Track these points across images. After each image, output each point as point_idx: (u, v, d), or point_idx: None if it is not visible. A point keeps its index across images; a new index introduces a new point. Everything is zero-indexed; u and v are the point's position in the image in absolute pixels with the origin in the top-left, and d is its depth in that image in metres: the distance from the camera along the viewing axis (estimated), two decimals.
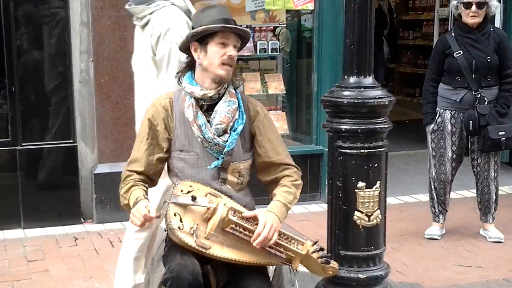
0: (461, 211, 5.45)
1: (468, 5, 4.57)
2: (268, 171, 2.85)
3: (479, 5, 4.57)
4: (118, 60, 5.13)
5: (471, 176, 4.90)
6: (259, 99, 5.84)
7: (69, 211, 5.19)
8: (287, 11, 6.00)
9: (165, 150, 2.80)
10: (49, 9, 5.06)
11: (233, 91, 2.82)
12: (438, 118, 4.73)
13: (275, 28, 6.05)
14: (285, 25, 6.11)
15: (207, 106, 2.77)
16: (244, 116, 2.79)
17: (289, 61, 6.33)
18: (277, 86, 5.99)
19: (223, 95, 2.78)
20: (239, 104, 2.79)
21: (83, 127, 5.22)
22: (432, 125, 4.76)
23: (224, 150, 2.73)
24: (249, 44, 5.87)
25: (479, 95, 4.60)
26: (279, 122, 5.90)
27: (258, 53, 5.94)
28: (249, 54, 5.91)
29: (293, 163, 2.88)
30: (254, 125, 2.83)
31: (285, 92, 6.03)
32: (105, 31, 5.07)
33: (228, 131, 2.75)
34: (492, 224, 4.86)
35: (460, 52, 4.61)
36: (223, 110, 2.74)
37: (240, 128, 2.76)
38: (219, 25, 2.69)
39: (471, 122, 4.59)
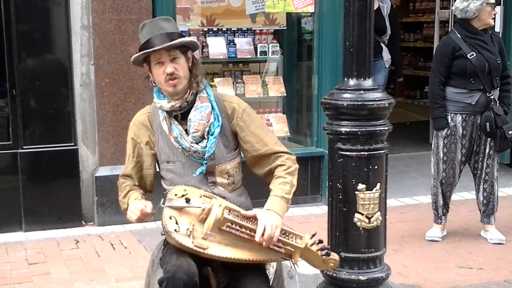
0: (462, 212, 5.46)
1: (493, 5, 4.61)
2: (260, 164, 2.84)
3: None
4: (119, 63, 5.14)
5: (472, 178, 4.90)
6: (260, 102, 5.95)
7: (70, 214, 5.19)
8: (287, 13, 6.01)
9: (152, 164, 2.86)
10: (49, 12, 5.08)
11: (205, 95, 2.80)
12: (450, 123, 4.67)
13: (275, 31, 6.07)
14: (285, 28, 6.13)
15: (180, 115, 2.79)
16: (220, 118, 2.78)
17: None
18: (277, 88, 6.00)
19: (194, 102, 2.78)
20: (212, 107, 2.78)
21: (84, 130, 5.23)
22: (445, 130, 4.68)
23: (205, 156, 2.75)
24: (250, 47, 5.91)
25: (492, 96, 4.61)
26: (279, 124, 5.92)
27: (258, 55, 5.95)
28: (250, 56, 5.93)
29: (283, 149, 2.85)
30: (234, 123, 2.82)
31: (285, 94, 6.04)
32: (105, 34, 5.08)
33: (206, 136, 2.75)
34: (494, 225, 4.86)
35: (473, 54, 4.56)
36: (196, 118, 2.75)
37: (217, 131, 2.76)
38: (140, 52, 2.73)
39: (488, 123, 4.57)
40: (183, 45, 2.75)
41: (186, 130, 2.77)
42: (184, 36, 2.81)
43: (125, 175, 2.90)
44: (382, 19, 6.69)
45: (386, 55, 6.80)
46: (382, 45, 6.75)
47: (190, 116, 2.76)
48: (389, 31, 6.77)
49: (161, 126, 2.80)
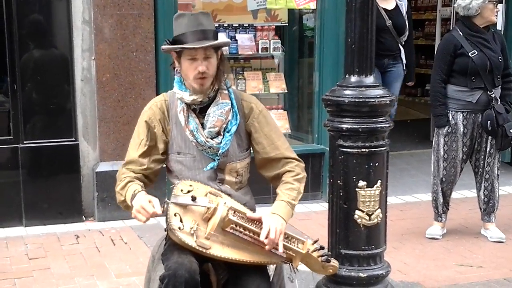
0: (462, 210, 5.46)
1: (496, 3, 4.59)
2: (269, 167, 2.84)
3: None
4: (120, 58, 5.14)
5: (472, 176, 4.90)
6: (261, 98, 5.91)
7: (70, 209, 5.19)
8: (289, 10, 6.00)
9: (162, 152, 2.81)
10: (51, 7, 5.07)
11: (226, 92, 2.80)
12: (451, 121, 4.66)
13: (277, 27, 6.06)
14: (287, 24, 6.12)
15: (199, 109, 2.78)
16: (238, 117, 2.78)
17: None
18: (278, 85, 6.00)
19: (214, 98, 2.77)
20: (232, 105, 2.78)
21: (85, 125, 5.23)
22: (446, 128, 4.68)
23: (219, 152, 2.74)
24: (251, 43, 5.91)
25: (493, 94, 4.60)
26: (280, 121, 5.91)
27: (260, 52, 5.95)
28: (251, 53, 5.92)
29: (294, 155, 2.85)
30: (249, 123, 2.82)
31: (286, 91, 6.04)
32: (107, 29, 5.08)
33: (222, 133, 2.75)
34: (494, 223, 4.86)
35: (475, 52, 4.55)
36: (215, 114, 2.74)
37: (234, 129, 2.76)
38: (179, 46, 2.68)
39: (489, 122, 4.56)
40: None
41: (202, 124, 2.76)
42: (217, 33, 2.79)
43: (129, 162, 2.80)
44: (402, 18, 6.12)
45: (403, 57, 6.24)
46: (400, 46, 6.18)
47: (209, 111, 2.75)
48: (407, 31, 6.22)
49: (177, 116, 2.78)
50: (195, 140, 2.75)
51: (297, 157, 2.87)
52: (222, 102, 2.77)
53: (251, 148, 2.88)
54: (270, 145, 2.82)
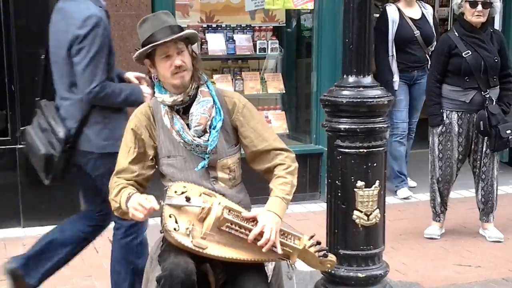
0: (461, 210, 5.46)
1: (473, 4, 4.54)
2: (259, 160, 2.83)
3: (485, 5, 4.56)
4: (118, 59, 5.10)
5: (471, 176, 4.90)
6: (259, 99, 5.94)
7: (68, 210, 5.16)
8: (287, 10, 6.01)
9: (151, 157, 2.82)
10: (49, 7, 5.05)
11: (206, 89, 2.81)
12: (445, 120, 4.68)
13: (274, 27, 6.06)
14: (285, 25, 6.12)
15: (182, 109, 2.78)
16: (222, 112, 2.78)
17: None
18: (276, 85, 6.00)
19: (195, 96, 2.78)
20: (214, 101, 2.79)
21: None
22: (440, 127, 4.70)
23: (208, 150, 2.74)
24: (249, 44, 5.91)
25: (488, 95, 4.60)
26: (278, 121, 5.92)
27: (257, 52, 5.95)
28: (249, 53, 5.92)
29: (282, 146, 2.84)
30: (234, 118, 2.82)
31: (284, 91, 6.04)
32: None
33: (208, 130, 2.75)
34: (492, 223, 4.87)
35: (468, 52, 4.57)
36: (198, 112, 2.74)
37: (219, 125, 2.76)
38: (148, 46, 2.71)
39: (482, 122, 4.57)
40: (186, 38, 2.76)
41: (187, 125, 2.76)
42: (182, 28, 2.81)
43: (120, 171, 2.81)
44: (429, 26, 5.91)
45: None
46: (427, 57, 5.91)
47: (192, 110, 2.76)
48: (435, 41, 5.88)
49: (162, 120, 2.79)
50: (182, 140, 2.75)
51: (286, 147, 2.85)
52: (203, 99, 2.77)
53: (240, 144, 2.88)
54: (258, 137, 2.81)
